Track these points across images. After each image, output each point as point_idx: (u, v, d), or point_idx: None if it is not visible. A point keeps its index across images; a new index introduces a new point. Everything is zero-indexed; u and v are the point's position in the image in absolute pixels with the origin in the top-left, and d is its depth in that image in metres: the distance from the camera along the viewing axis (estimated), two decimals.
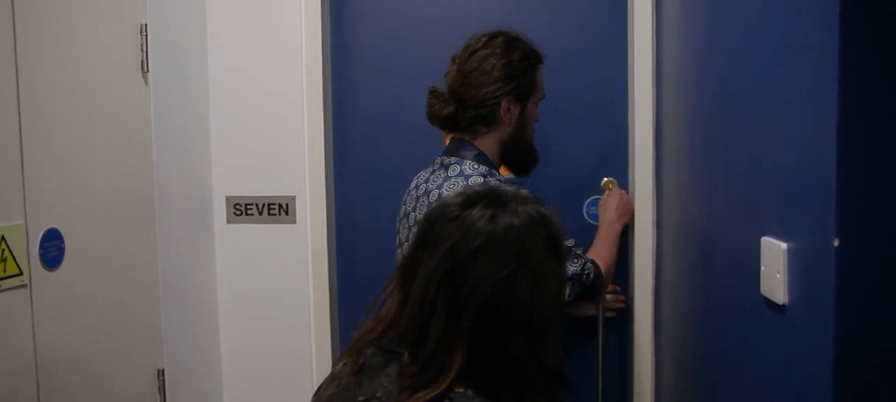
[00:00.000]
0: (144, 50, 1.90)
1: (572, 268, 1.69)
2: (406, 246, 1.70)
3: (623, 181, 2.17)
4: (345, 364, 1.13)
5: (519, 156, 1.76)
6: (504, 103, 1.66)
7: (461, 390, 0.99)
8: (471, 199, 1.07)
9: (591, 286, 1.73)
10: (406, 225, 1.74)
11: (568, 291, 1.68)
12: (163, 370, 1.99)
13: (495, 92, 1.65)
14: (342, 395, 1.08)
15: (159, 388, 1.98)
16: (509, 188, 1.11)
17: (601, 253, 1.86)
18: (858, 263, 0.89)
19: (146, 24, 1.91)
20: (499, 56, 1.66)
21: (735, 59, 1.32)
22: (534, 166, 1.81)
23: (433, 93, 1.72)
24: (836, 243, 0.89)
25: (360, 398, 1.06)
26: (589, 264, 1.73)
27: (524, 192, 1.11)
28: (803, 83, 0.98)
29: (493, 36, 1.69)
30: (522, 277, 1.01)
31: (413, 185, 1.76)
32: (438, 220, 1.06)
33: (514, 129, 1.70)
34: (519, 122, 1.70)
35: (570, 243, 1.72)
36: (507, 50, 1.67)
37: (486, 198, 1.06)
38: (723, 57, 1.41)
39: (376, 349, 1.10)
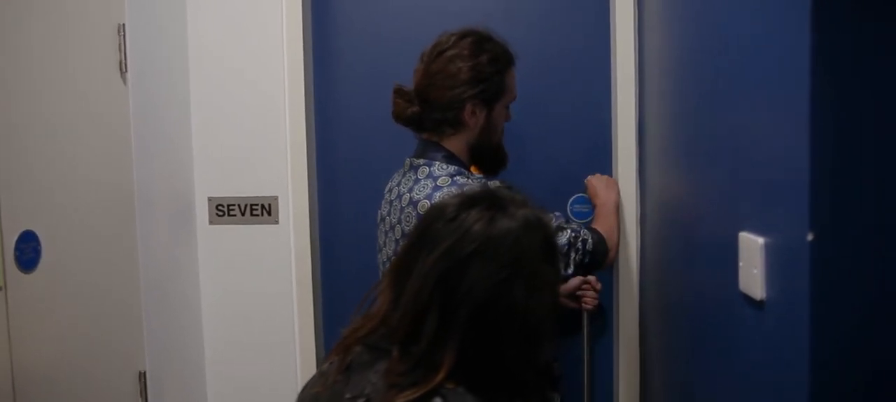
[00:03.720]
0: (122, 50, 1.88)
1: (563, 239, 1.67)
2: (386, 250, 1.70)
3: None
4: (331, 363, 1.12)
5: (487, 158, 1.73)
6: (469, 107, 1.63)
7: (452, 386, 0.99)
8: (469, 200, 1.06)
9: (593, 251, 1.71)
10: (383, 229, 1.73)
11: (568, 260, 1.67)
12: (144, 373, 1.97)
13: (460, 95, 1.61)
14: (329, 393, 1.08)
15: (141, 390, 1.96)
16: (507, 192, 1.10)
17: (601, 225, 1.87)
18: (832, 257, 0.89)
19: (124, 24, 1.89)
20: (466, 58, 1.62)
21: (713, 55, 1.32)
22: (503, 168, 1.78)
23: (398, 91, 1.69)
24: (809, 237, 0.89)
25: (348, 396, 1.05)
26: (583, 231, 1.72)
27: (520, 195, 1.10)
28: (777, 78, 0.98)
29: (463, 35, 1.65)
30: (518, 281, 1.01)
31: (387, 188, 1.75)
32: (436, 220, 1.06)
33: (480, 131, 1.67)
34: (486, 125, 1.67)
35: (556, 216, 1.71)
36: (476, 52, 1.63)
37: (484, 200, 1.06)
38: (702, 53, 1.41)
39: (364, 347, 1.09)
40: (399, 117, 1.70)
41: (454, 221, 1.04)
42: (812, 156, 0.87)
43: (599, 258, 1.77)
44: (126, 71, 1.89)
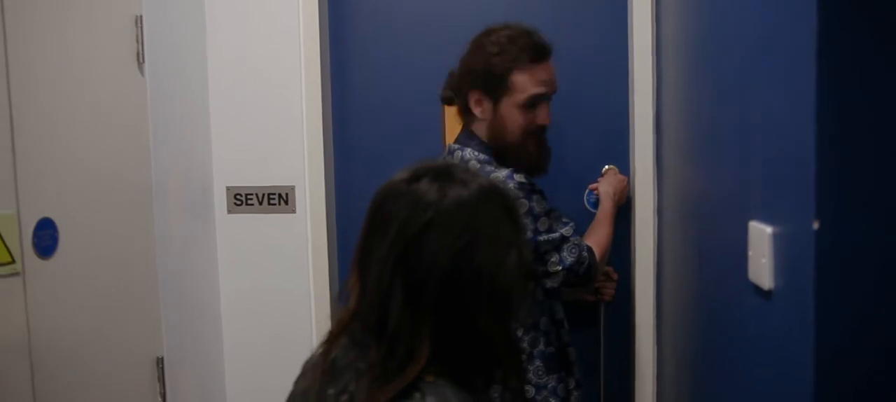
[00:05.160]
0: (140, 41, 1.90)
1: (570, 259, 1.66)
2: None
3: (624, 169, 2.15)
4: (318, 358, 1.08)
5: (509, 158, 1.68)
6: (473, 96, 1.67)
7: (431, 379, 0.95)
8: (417, 173, 1.02)
9: (584, 275, 1.70)
10: None
11: (559, 280, 1.66)
12: (162, 359, 2.00)
13: (465, 83, 1.68)
14: (316, 387, 1.04)
15: (158, 376, 1.99)
16: (457, 162, 1.07)
17: (599, 236, 1.83)
18: (839, 246, 0.87)
19: (141, 16, 1.91)
20: (483, 49, 1.66)
21: (725, 45, 1.30)
22: (539, 173, 1.74)
23: (449, 74, 1.78)
24: (815, 225, 0.87)
25: (331, 392, 1.02)
26: (585, 254, 1.70)
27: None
28: (784, 68, 0.97)
29: (499, 28, 1.68)
30: (479, 246, 0.97)
31: None
32: (386, 198, 1.01)
33: (490, 126, 1.68)
34: (493, 120, 1.67)
35: (568, 229, 1.69)
36: (490, 44, 1.65)
37: (432, 171, 1.02)
38: (714, 44, 1.39)
39: (349, 341, 1.05)
40: (442, 99, 1.81)
41: (405, 195, 0.99)
42: (817, 143, 0.86)
43: (587, 283, 1.76)
44: (143, 61, 1.92)
